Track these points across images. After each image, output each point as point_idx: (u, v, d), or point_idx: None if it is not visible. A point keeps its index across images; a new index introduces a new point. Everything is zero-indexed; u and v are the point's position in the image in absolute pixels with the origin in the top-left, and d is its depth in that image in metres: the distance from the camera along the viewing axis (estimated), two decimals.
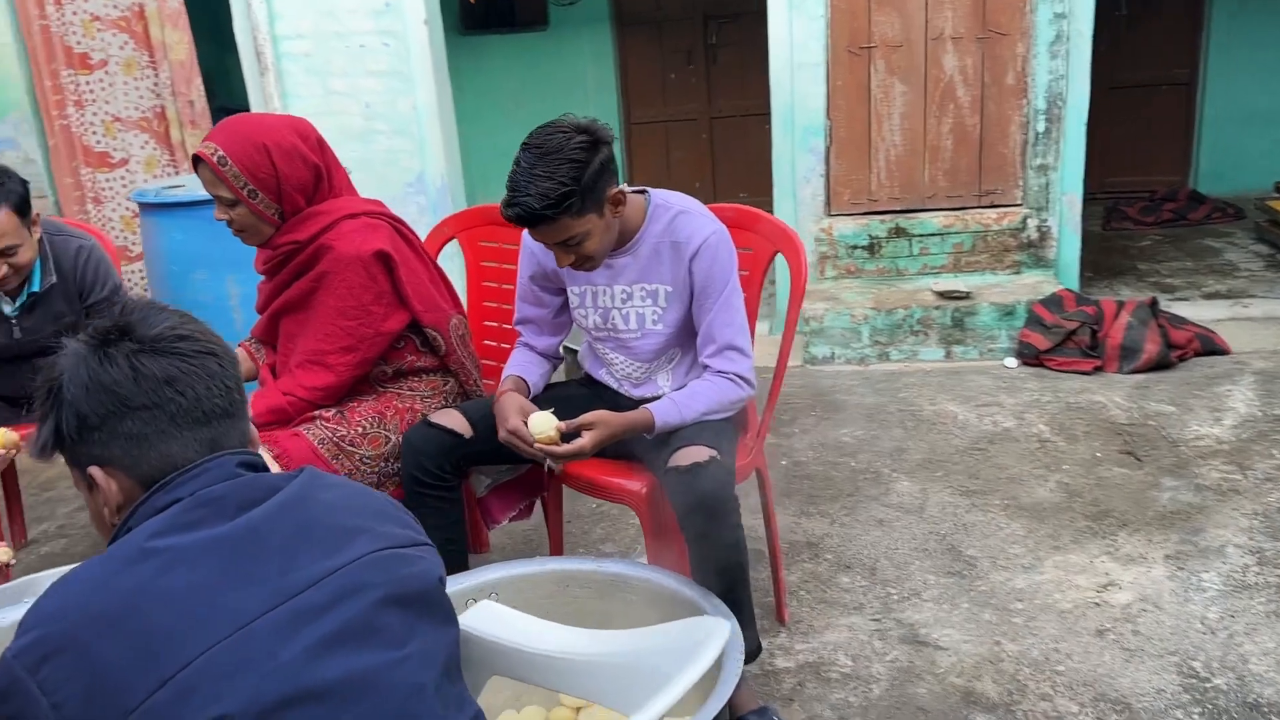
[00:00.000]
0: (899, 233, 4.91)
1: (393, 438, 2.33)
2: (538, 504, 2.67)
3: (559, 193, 1.96)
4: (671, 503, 2.06)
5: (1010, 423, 3.69)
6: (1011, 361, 4.37)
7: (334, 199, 2.34)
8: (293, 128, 2.26)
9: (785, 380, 4.26)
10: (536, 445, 2.07)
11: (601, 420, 2.09)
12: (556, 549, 2.55)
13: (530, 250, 2.35)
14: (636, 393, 2.37)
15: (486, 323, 2.91)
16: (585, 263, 2.16)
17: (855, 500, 3.19)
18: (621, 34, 7.58)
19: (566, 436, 2.09)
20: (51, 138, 5.31)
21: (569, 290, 2.34)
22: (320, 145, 2.31)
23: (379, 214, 2.36)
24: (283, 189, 2.22)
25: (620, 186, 2.13)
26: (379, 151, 5.17)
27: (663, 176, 7.80)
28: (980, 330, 4.53)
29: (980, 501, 3.12)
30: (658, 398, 2.28)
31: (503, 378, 2.34)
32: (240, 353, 2.52)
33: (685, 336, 2.29)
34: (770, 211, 4.99)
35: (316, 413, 2.30)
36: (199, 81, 5.28)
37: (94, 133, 5.32)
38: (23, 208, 2.54)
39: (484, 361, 2.69)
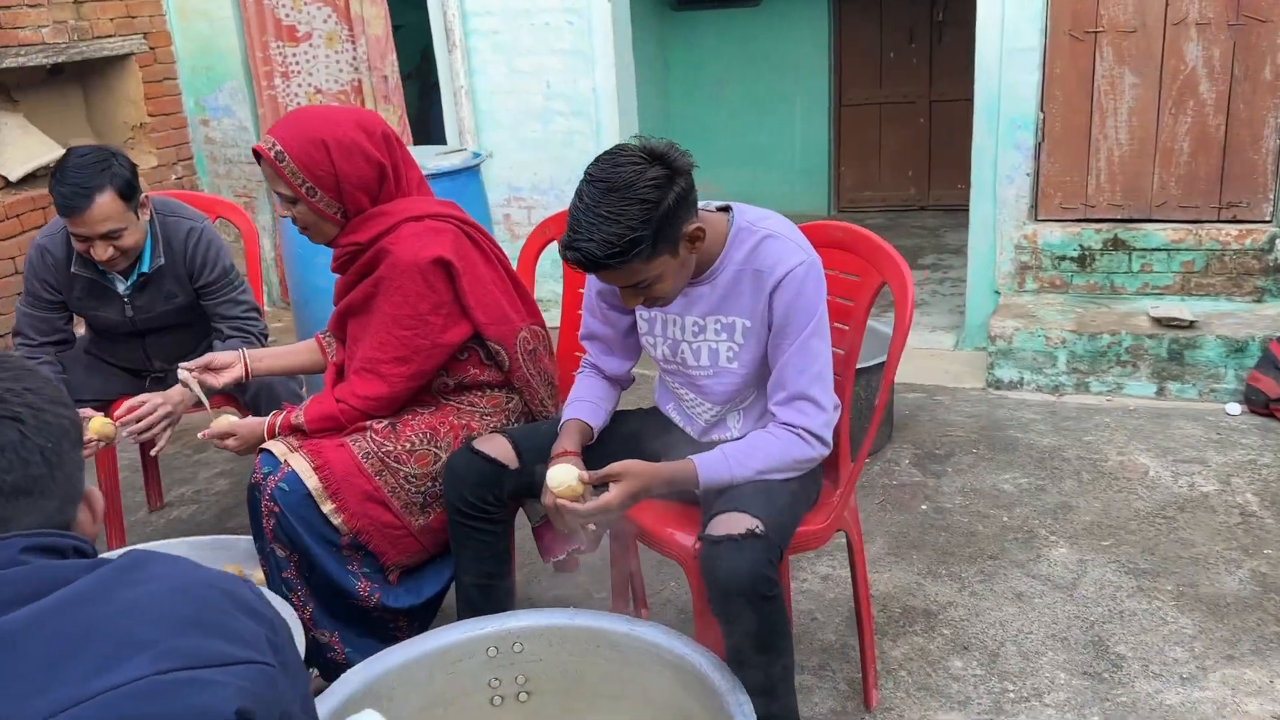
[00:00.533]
0: (1117, 245, 4.29)
1: (443, 457, 2.18)
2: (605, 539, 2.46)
3: (627, 239, 1.71)
4: (701, 577, 1.79)
5: (1211, 486, 3.11)
6: (1235, 408, 3.71)
7: (402, 199, 2.20)
8: (357, 122, 2.14)
9: (951, 407, 3.94)
10: (557, 502, 1.83)
11: (631, 472, 1.83)
12: (617, 597, 2.33)
13: None
14: (704, 434, 2.11)
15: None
16: (656, 302, 1.91)
17: (997, 564, 2.77)
18: (839, 10, 7.12)
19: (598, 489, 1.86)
20: (261, 107, 5.55)
21: (637, 315, 2.10)
22: (387, 141, 2.17)
23: (446, 217, 2.20)
24: (343, 187, 2.10)
25: (700, 214, 1.86)
26: (557, 132, 5.08)
27: (871, 162, 7.33)
28: (1202, 366, 3.88)
29: (1148, 584, 2.62)
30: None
31: (563, 418, 2.11)
32: (311, 344, 2.45)
33: (764, 378, 2.00)
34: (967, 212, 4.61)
35: (369, 423, 2.18)
36: (393, 57, 5.35)
37: (297, 103, 5.50)
38: (127, 191, 2.56)
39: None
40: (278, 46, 5.42)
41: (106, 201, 2.51)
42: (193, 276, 2.80)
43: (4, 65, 5.01)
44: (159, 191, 3.36)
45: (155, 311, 2.82)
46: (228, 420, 2.28)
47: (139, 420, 2.42)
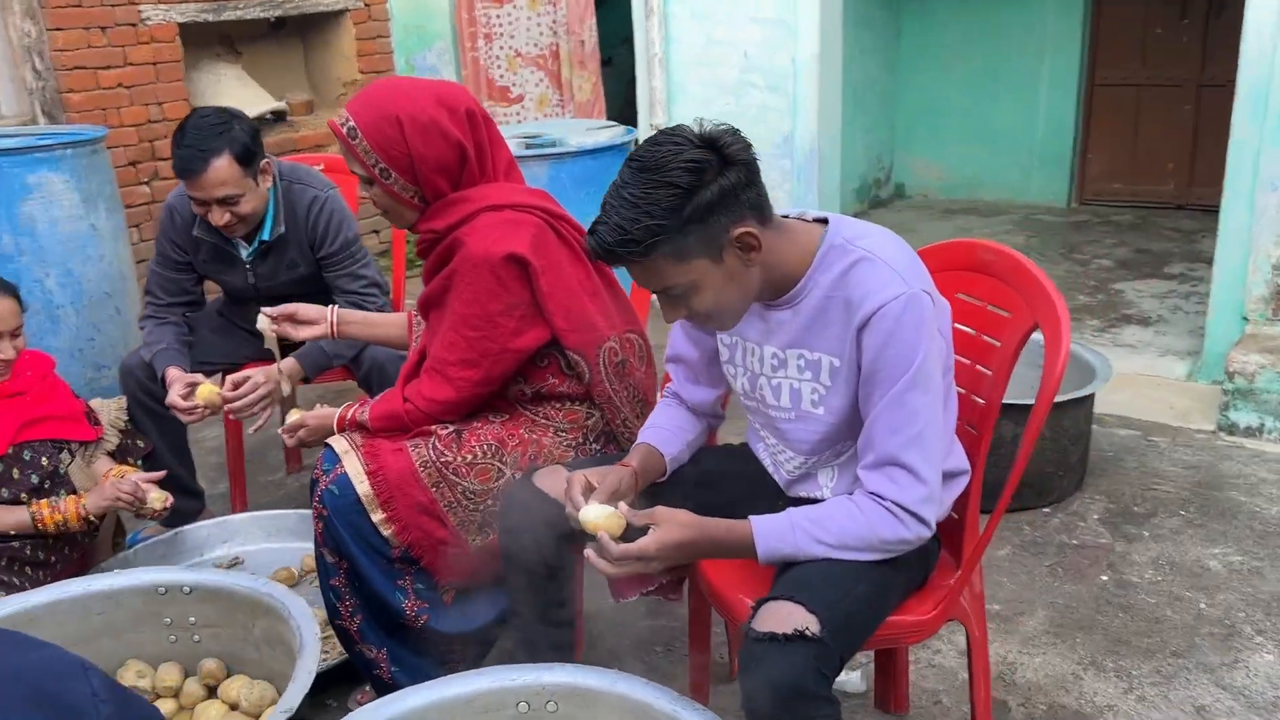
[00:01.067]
0: None
1: (506, 473, 1.97)
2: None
3: (642, 226, 1.43)
4: (738, 677, 1.47)
5: None
6: None
7: (485, 185, 1.98)
8: (438, 97, 1.93)
9: (1166, 452, 3.37)
10: (602, 538, 1.53)
11: (675, 521, 1.53)
12: (697, 648, 2.03)
13: None
14: (791, 488, 1.77)
15: None
16: (708, 321, 1.62)
17: (1180, 664, 2.26)
18: None
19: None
20: (464, 69, 5.52)
21: (718, 339, 1.79)
22: (471, 119, 1.95)
23: (530, 208, 1.97)
24: (418, 169, 1.91)
25: (781, 222, 1.55)
26: (750, 107, 4.74)
27: (1124, 151, 6.51)
28: None
29: None
30: (813, 502, 1.68)
31: (636, 443, 1.86)
32: (403, 319, 2.30)
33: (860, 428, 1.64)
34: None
35: (434, 427, 1.99)
36: (592, 21, 5.18)
37: (498, 66, 5.45)
38: (246, 156, 2.49)
39: None
40: (483, 8, 5.37)
41: (223, 165, 2.44)
42: (314, 246, 2.72)
43: (225, 17, 5.19)
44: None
45: (277, 280, 2.76)
46: (298, 413, 2.16)
47: (238, 398, 2.36)
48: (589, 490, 1.63)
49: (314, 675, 1.67)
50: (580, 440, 2.05)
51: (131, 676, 1.96)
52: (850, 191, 6.67)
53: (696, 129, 1.49)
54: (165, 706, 1.93)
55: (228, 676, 2.00)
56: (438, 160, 1.91)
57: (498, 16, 5.36)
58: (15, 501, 2.28)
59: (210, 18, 5.03)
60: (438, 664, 2.03)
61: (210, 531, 2.79)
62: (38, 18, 4.47)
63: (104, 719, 0.90)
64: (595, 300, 2.02)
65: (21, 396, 2.37)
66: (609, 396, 2.03)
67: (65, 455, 2.43)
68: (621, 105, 6.28)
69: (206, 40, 5.27)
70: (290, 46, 5.77)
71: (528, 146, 2.98)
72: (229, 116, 2.51)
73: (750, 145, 1.52)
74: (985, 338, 1.77)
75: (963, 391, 1.77)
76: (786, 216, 1.64)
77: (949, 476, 1.67)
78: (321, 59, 5.78)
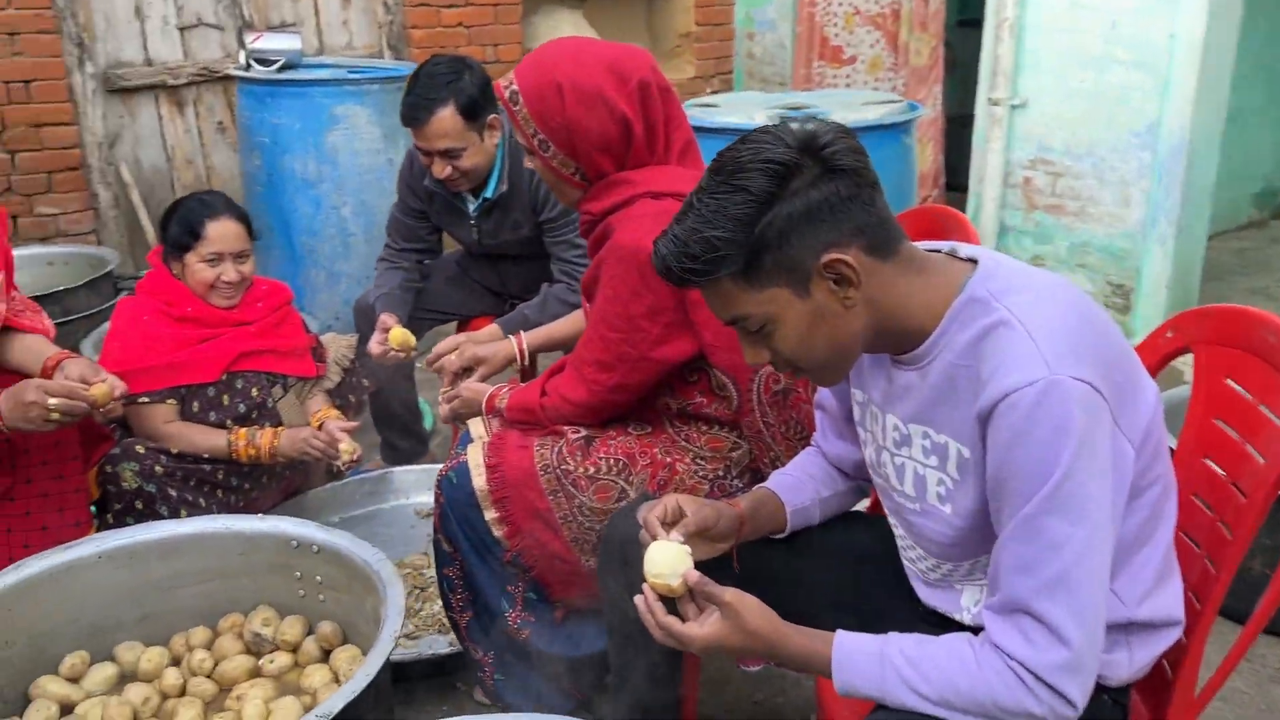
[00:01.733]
0: None
1: (630, 494, 1.74)
2: None
3: (701, 239, 1.15)
4: None
5: None
6: None
7: (654, 167, 1.73)
8: (610, 63, 1.70)
9: None
10: (646, 585, 1.27)
11: (741, 618, 1.21)
12: None
13: None
14: (929, 596, 1.38)
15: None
16: (794, 370, 1.28)
17: None
18: None
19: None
20: (799, 25, 5.21)
21: (851, 390, 1.43)
22: (644, 91, 1.70)
23: None
24: (576, 143, 1.70)
25: (856, 249, 1.16)
26: (1111, 84, 4.03)
27: None
28: None
29: None
30: (954, 623, 1.31)
31: (756, 486, 1.55)
32: (580, 316, 2.16)
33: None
34: None
35: (566, 429, 1.80)
36: None
37: (834, 24, 5.07)
38: (471, 110, 2.40)
39: None
40: None
41: (445, 117, 2.38)
42: (536, 209, 2.60)
43: None
44: None
45: (500, 239, 2.68)
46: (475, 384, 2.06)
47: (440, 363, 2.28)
48: (677, 519, 1.36)
49: (371, 680, 1.54)
50: (720, 473, 1.77)
51: (258, 623, 1.96)
52: (1247, 197, 5.61)
53: (797, 126, 1.19)
54: (280, 659, 1.92)
55: (342, 644, 1.96)
56: (599, 134, 1.68)
57: None
58: (220, 426, 2.36)
59: None
60: (548, 682, 1.86)
61: (418, 477, 2.80)
62: None
63: None
64: None
65: (246, 326, 2.45)
66: (759, 429, 1.73)
67: (278, 389, 2.50)
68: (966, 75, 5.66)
69: None
70: None
71: (783, 120, 2.66)
72: (462, 67, 2.43)
73: (863, 152, 1.19)
74: (1248, 446, 1.28)
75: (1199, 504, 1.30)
76: (937, 251, 1.27)
77: (1150, 628, 1.23)
78: (663, 10, 5.69)
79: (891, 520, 1.40)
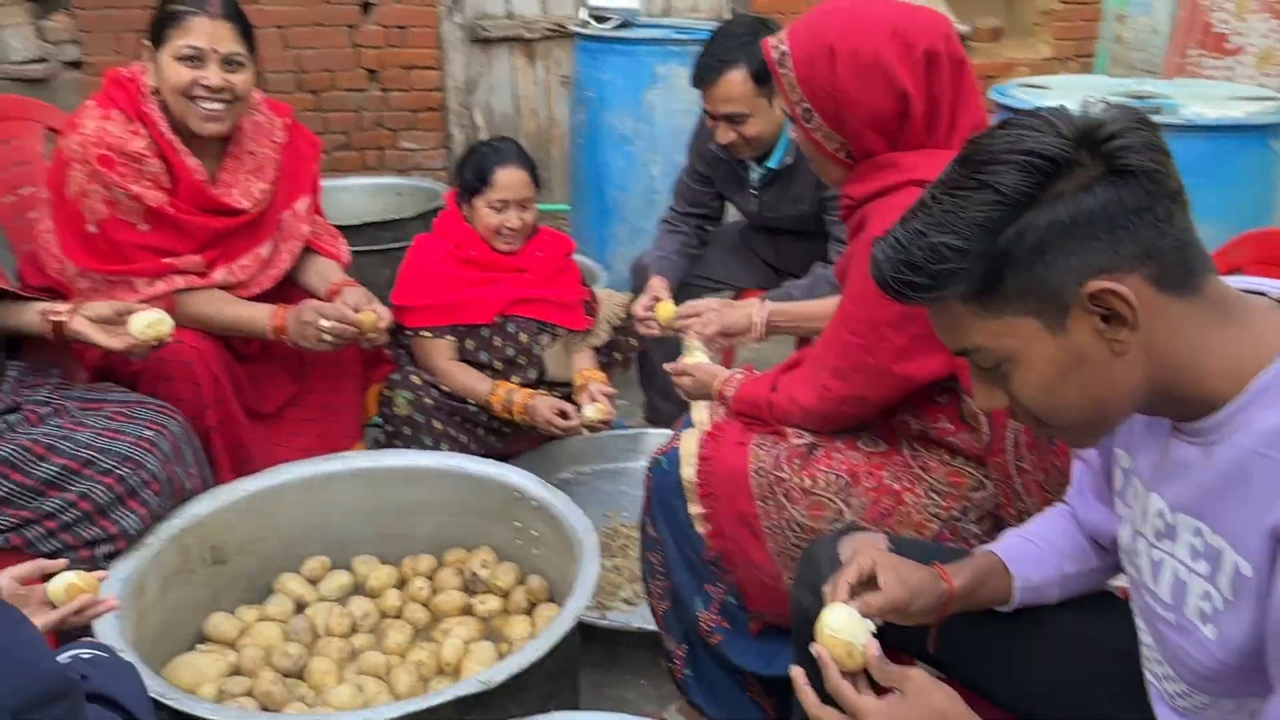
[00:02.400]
0: None
1: (846, 516, 1.57)
2: None
3: (927, 244, 0.93)
4: None
5: None
6: None
7: (931, 150, 1.51)
8: (895, 28, 1.48)
9: None
10: (815, 647, 1.09)
11: (925, 703, 1.03)
12: None
13: None
14: None
15: None
16: (1035, 423, 1.02)
17: None
18: None
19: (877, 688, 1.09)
20: (1182, 8, 4.54)
21: (1113, 454, 1.15)
22: (931, 62, 1.48)
23: None
24: (844, 116, 1.51)
25: (1138, 278, 0.88)
26: None
27: None
28: None
29: None
30: None
31: (980, 549, 1.31)
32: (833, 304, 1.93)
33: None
34: None
35: (790, 431, 1.66)
36: None
37: (1223, 8, 4.37)
38: (763, 74, 2.25)
39: None
40: None
41: (735, 80, 2.26)
42: (819, 185, 2.42)
43: None
44: None
45: (780, 213, 2.55)
46: (699, 354, 1.97)
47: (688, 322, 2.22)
48: (867, 585, 1.18)
49: (525, 666, 1.51)
50: (955, 513, 1.55)
51: (477, 563, 2.01)
52: None
53: (1084, 114, 0.92)
54: (491, 602, 1.95)
55: (548, 600, 1.96)
56: (871, 109, 1.49)
57: None
58: (490, 366, 2.43)
59: None
60: (740, 690, 1.76)
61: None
62: None
63: None
64: None
65: (523, 273, 2.49)
66: (1009, 474, 1.49)
67: (546, 337, 2.53)
68: None
69: None
70: None
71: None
72: (761, 28, 2.29)
73: (1165, 151, 0.90)
74: None
75: None
76: (1261, 294, 0.97)
77: None
78: None
79: (1139, 622, 1.11)
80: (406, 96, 4.61)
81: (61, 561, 1.33)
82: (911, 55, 1.47)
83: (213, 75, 1.97)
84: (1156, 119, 2.23)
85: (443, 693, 1.45)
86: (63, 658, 1.12)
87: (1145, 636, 1.10)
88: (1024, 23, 5.09)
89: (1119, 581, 1.26)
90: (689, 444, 1.69)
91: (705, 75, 2.28)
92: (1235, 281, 0.98)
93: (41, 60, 4.26)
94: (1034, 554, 1.26)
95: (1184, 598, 0.98)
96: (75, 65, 4.30)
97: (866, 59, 1.47)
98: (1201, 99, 2.43)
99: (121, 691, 1.05)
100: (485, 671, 1.48)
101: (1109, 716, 1.18)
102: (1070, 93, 2.52)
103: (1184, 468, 0.97)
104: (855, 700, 1.04)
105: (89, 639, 1.16)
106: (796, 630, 1.41)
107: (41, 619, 1.24)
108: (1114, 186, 0.87)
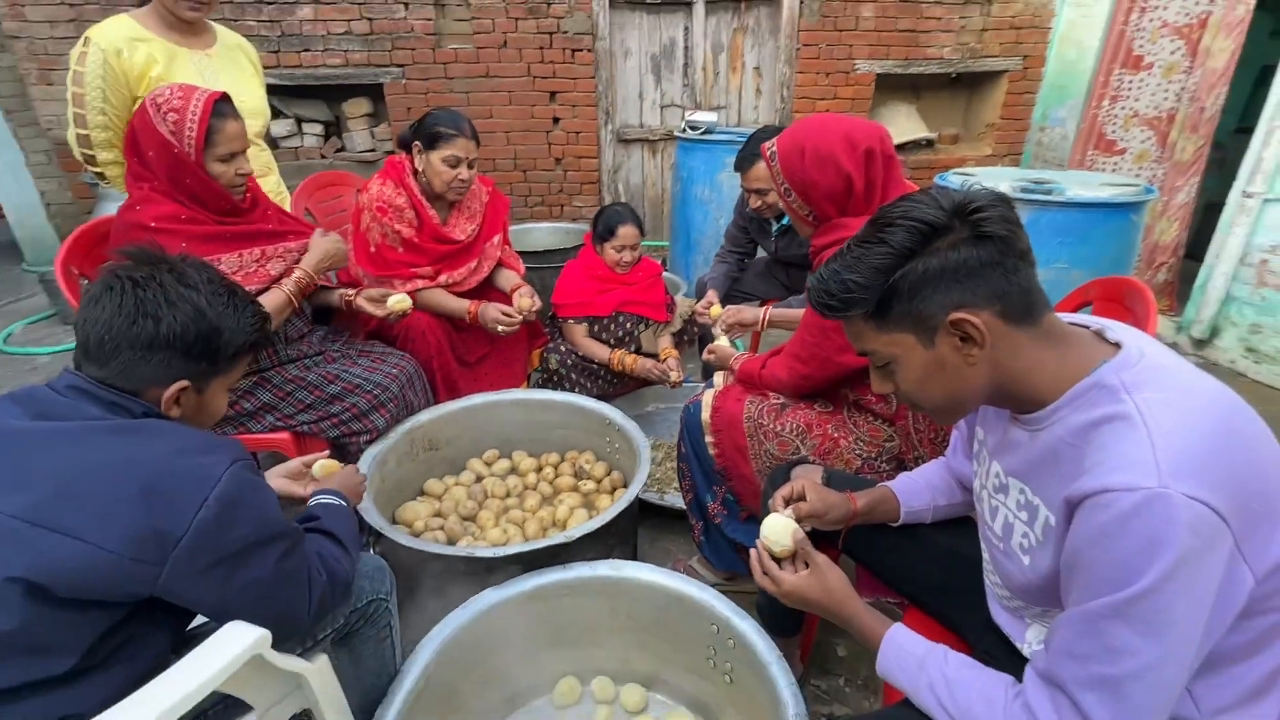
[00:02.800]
0: None
1: (803, 451, 1.43)
2: None
3: (841, 280, 0.81)
4: None
5: None
6: None
7: (868, 216, 1.33)
8: (846, 134, 1.32)
9: None
10: (760, 542, 0.99)
11: (822, 579, 0.92)
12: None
13: None
14: (999, 617, 0.94)
15: None
16: (914, 406, 0.86)
17: None
18: None
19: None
20: (1084, 123, 4.04)
21: (977, 425, 0.97)
22: (869, 157, 1.31)
23: None
24: (809, 192, 1.36)
25: (988, 313, 0.74)
26: None
27: None
28: None
29: None
30: (1013, 652, 0.90)
31: (879, 484, 1.16)
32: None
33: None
34: None
35: (771, 394, 1.52)
36: (1221, 90, 3.31)
37: (1114, 124, 3.87)
38: None
39: None
40: (1119, 74, 3.78)
41: (760, 168, 2.08)
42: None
43: (912, 70, 4.49)
44: None
45: (790, 253, 2.36)
46: (724, 341, 1.83)
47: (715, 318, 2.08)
48: (798, 499, 1.07)
49: (590, 530, 1.43)
50: (872, 455, 1.39)
51: (583, 460, 1.94)
52: None
53: (961, 192, 0.78)
54: (588, 485, 1.87)
55: (623, 487, 1.88)
56: (827, 187, 1.33)
57: (1130, 82, 3.72)
58: (607, 343, 2.35)
59: (900, 71, 4.36)
60: (733, 553, 1.64)
61: None
62: (792, 63, 4.31)
63: (194, 522, 0.70)
64: None
65: (630, 286, 2.39)
66: (909, 431, 1.33)
67: (641, 326, 2.42)
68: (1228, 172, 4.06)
69: (898, 86, 4.61)
70: (958, 95, 4.80)
71: (1023, 190, 1.98)
72: (776, 131, 2.11)
73: (1016, 222, 0.76)
74: None
75: None
76: (1084, 327, 0.80)
77: None
78: (976, 105, 4.71)
79: (982, 544, 0.97)
80: (578, 175, 4.52)
81: (318, 455, 1.30)
82: (855, 152, 1.31)
83: (464, 172, 1.95)
84: (1047, 197, 1.97)
85: (546, 539, 1.39)
86: (313, 500, 1.08)
87: (985, 553, 0.95)
88: (975, 131, 4.63)
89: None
90: (707, 397, 1.58)
91: (743, 165, 2.12)
92: (1068, 317, 0.83)
93: (372, 150, 4.34)
94: (916, 489, 1.13)
95: (1010, 534, 0.85)
96: (391, 153, 4.37)
97: (825, 154, 1.32)
98: (1082, 184, 2.11)
99: (338, 527, 1.01)
100: (570, 529, 1.40)
101: (963, 607, 1.02)
102: (990, 179, 2.23)
103: (1016, 445, 0.83)
104: (775, 571, 0.96)
105: (332, 490, 1.11)
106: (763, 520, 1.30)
107: (301, 488, 1.20)
108: (976, 246, 0.75)
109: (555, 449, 2.03)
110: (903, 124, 4.54)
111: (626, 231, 2.28)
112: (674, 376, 2.23)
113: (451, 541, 1.67)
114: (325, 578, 0.88)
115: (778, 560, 0.97)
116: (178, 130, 1.42)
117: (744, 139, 3.42)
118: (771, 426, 1.46)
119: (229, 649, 0.71)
